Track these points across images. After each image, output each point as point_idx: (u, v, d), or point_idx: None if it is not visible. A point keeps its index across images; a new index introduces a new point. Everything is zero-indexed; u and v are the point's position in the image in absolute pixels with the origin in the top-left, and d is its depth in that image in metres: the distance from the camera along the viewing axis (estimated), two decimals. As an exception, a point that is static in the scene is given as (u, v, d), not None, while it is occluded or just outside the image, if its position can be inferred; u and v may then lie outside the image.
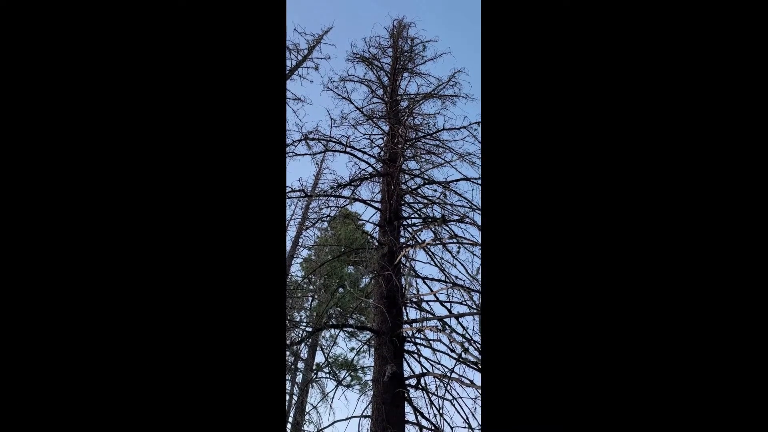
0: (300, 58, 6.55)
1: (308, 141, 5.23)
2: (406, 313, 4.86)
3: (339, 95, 6.42)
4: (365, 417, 4.03)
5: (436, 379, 4.26)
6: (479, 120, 5.14)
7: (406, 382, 4.20)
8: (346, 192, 5.57)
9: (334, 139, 5.55)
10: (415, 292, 5.25)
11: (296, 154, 5.24)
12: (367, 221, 6.02)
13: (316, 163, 6.87)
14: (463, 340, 4.25)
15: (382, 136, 6.44)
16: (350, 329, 6.86)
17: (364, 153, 5.89)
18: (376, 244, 5.32)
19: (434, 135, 6.01)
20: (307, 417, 7.28)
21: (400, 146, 5.72)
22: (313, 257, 8.90)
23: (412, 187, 5.82)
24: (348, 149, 5.67)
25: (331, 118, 6.29)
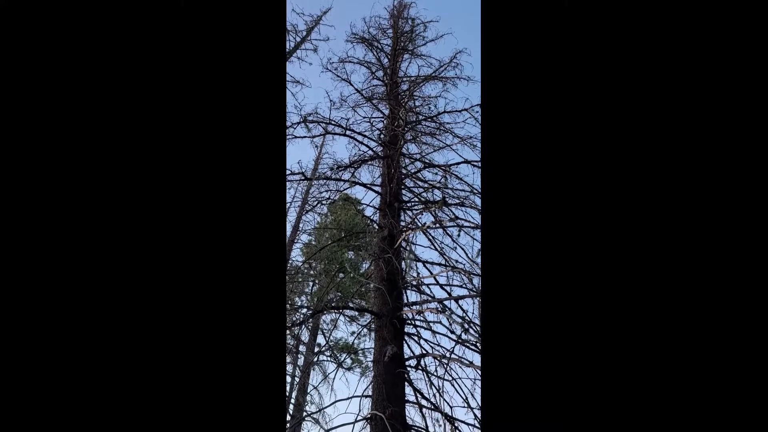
0: (298, 39, 6.44)
1: (307, 123, 5.17)
2: (406, 295, 4.89)
3: (338, 77, 6.33)
4: (366, 397, 4.09)
5: (436, 360, 4.31)
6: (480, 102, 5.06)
7: (406, 363, 4.24)
8: (346, 175, 5.54)
9: (333, 122, 5.49)
10: (415, 275, 5.27)
11: (295, 137, 5.19)
12: (368, 205, 6.00)
13: (316, 146, 6.82)
14: (463, 321, 4.28)
15: (382, 119, 6.37)
16: (351, 312, 6.92)
17: (365, 136, 5.83)
18: (376, 227, 5.32)
19: (435, 118, 5.94)
20: (308, 398, 7.40)
21: (400, 129, 5.66)
22: (313, 242, 8.91)
23: (413, 171, 5.78)
24: (348, 132, 5.62)
25: (331, 100, 6.21)
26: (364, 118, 6.35)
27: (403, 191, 5.60)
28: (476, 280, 4.32)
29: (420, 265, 5.35)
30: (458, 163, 5.38)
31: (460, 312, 6.27)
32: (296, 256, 8.95)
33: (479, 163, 5.22)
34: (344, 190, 5.82)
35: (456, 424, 4.05)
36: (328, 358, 7.97)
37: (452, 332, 4.42)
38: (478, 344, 4.07)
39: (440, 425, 4.09)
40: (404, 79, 6.87)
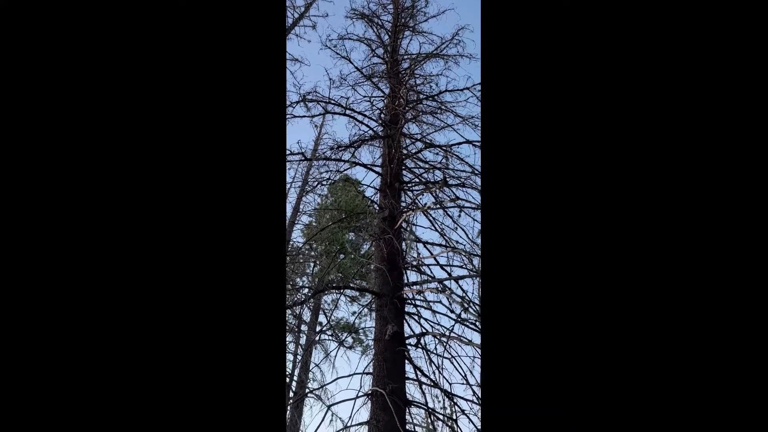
0: (296, 16, 6.29)
1: (307, 102, 5.10)
2: (407, 276, 4.93)
3: (338, 54, 6.20)
4: (367, 374, 4.17)
5: (436, 339, 4.37)
6: (482, 80, 4.95)
7: (407, 341, 4.31)
8: (346, 155, 5.50)
9: (333, 101, 5.41)
10: (415, 255, 5.30)
11: (294, 116, 5.12)
12: (368, 186, 5.98)
13: (315, 126, 6.74)
14: (462, 301, 4.32)
15: (382, 98, 6.27)
16: (351, 292, 6.99)
17: (365, 116, 5.76)
18: (377, 208, 5.31)
19: (436, 97, 5.85)
20: (310, 375, 7.55)
21: (401, 108, 5.58)
22: (314, 223, 8.92)
23: (413, 152, 5.73)
24: (347, 111, 5.54)
25: (330, 79, 6.06)
26: (365, 97, 6.25)
27: (404, 172, 5.57)
28: (476, 261, 4.35)
29: (420, 245, 5.37)
30: (459, 143, 5.34)
31: (459, 292, 6.33)
32: (297, 237, 8.97)
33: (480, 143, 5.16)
34: (344, 170, 5.79)
35: (455, 400, 4.14)
36: (330, 337, 8.10)
37: (452, 311, 4.48)
38: (476, 323, 4.13)
39: (439, 401, 4.20)
40: (405, 56, 6.73)
